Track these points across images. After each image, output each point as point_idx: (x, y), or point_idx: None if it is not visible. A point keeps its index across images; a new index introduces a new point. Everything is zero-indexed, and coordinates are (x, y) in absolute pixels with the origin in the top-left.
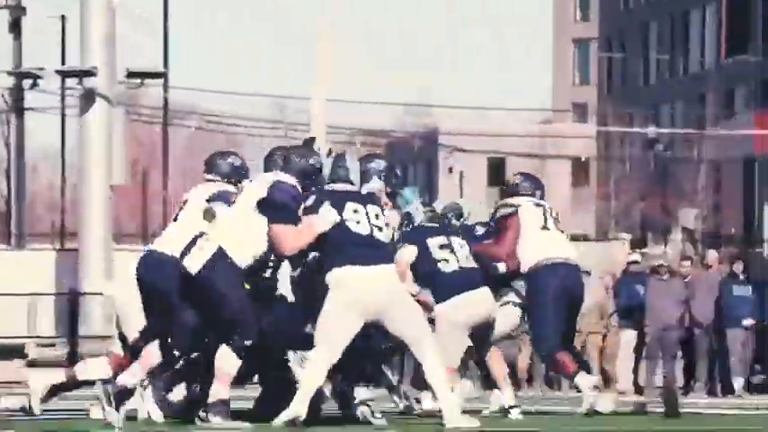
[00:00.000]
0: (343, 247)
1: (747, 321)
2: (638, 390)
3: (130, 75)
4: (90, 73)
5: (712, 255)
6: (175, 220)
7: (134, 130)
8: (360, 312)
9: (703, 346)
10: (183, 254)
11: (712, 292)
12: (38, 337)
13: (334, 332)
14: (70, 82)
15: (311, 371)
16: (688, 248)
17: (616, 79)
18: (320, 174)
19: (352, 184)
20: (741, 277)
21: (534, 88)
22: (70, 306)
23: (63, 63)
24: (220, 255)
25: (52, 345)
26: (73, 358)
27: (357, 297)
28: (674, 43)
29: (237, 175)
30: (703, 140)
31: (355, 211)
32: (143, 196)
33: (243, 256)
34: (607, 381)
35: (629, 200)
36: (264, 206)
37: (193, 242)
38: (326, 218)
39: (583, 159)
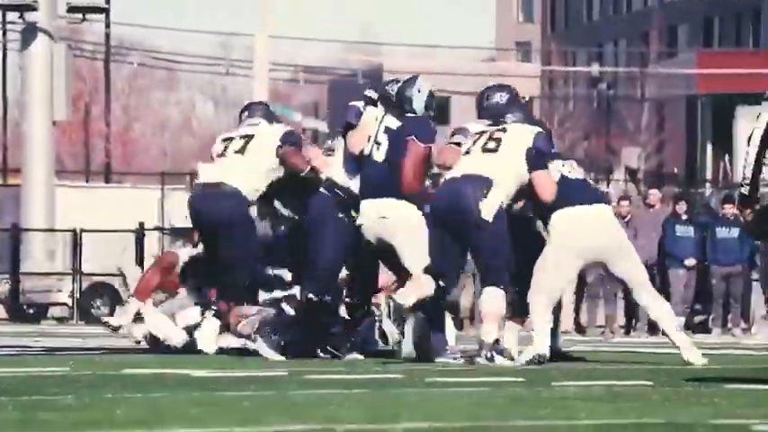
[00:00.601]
0: (560, 190)
1: (689, 261)
2: (580, 329)
3: (72, 9)
4: (31, 7)
5: (655, 194)
6: (228, 152)
7: (76, 65)
8: (578, 253)
9: None
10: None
11: (655, 231)
12: None
13: (550, 276)
14: (11, 16)
15: (535, 317)
16: (630, 188)
17: (560, 17)
18: None
19: None
20: (684, 217)
21: (477, 26)
22: (12, 242)
23: None
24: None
25: None
26: (15, 294)
27: (576, 237)
28: None
29: (275, 119)
30: (646, 79)
31: (563, 165)
32: (85, 132)
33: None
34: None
35: (573, 139)
36: (532, 154)
37: (478, 188)
38: (557, 167)
39: (527, 98)
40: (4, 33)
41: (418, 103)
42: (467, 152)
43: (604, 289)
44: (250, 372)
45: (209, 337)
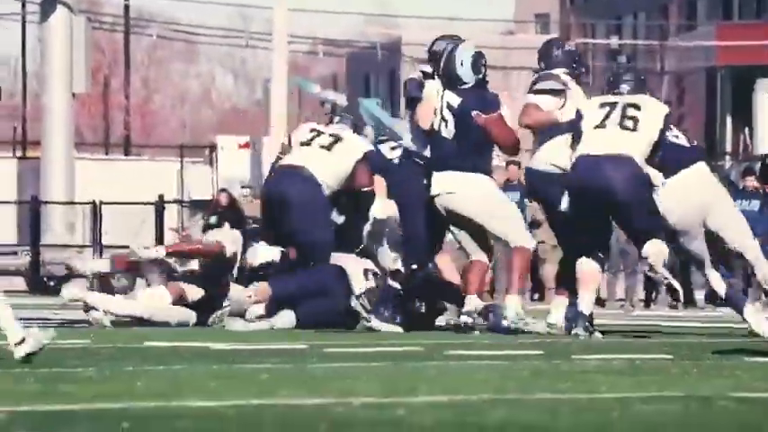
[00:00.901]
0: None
1: None
2: (600, 302)
3: None
4: None
5: None
6: (314, 143)
7: (95, 37)
8: (698, 212)
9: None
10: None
11: None
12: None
13: (696, 245)
14: None
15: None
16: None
17: None
18: None
19: None
20: None
21: None
22: (32, 215)
23: None
24: None
25: (14, 253)
26: (35, 267)
27: (688, 202)
28: None
29: (362, 131)
30: (666, 52)
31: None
32: (104, 105)
33: None
34: None
35: None
36: (664, 136)
37: (618, 167)
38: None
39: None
40: (24, 5)
41: (467, 76)
42: (601, 125)
43: (625, 262)
44: (269, 344)
45: (259, 256)
